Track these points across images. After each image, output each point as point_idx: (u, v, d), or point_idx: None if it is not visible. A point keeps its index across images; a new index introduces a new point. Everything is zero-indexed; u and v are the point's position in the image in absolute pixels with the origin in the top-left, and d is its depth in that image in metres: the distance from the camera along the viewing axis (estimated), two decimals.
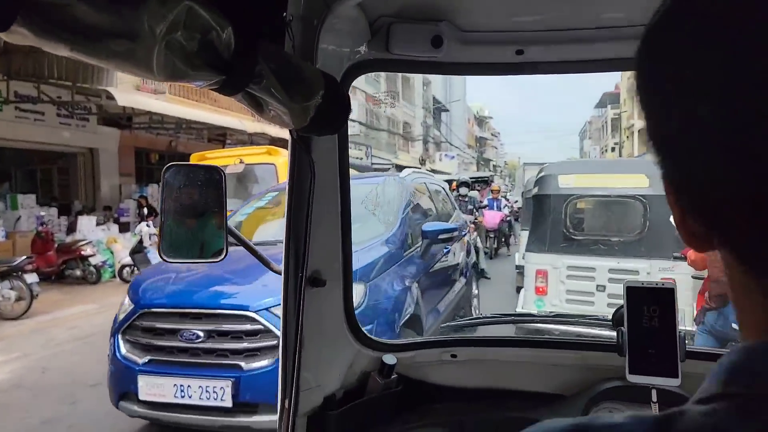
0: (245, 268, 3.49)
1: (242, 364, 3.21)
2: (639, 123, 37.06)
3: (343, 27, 1.00)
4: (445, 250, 4.81)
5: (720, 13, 0.29)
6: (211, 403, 3.18)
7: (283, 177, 5.31)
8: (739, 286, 0.33)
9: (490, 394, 1.26)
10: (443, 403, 1.27)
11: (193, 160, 7.30)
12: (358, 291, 3.26)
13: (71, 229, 10.81)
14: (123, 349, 3.47)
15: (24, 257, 7.68)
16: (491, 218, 11.71)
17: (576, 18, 1.07)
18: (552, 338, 1.86)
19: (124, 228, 11.61)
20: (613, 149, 43.95)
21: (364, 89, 25.04)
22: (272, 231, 4.23)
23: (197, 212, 1.14)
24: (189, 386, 3.22)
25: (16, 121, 10.38)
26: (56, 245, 9.64)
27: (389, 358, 1.18)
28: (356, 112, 21.61)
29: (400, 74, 29.37)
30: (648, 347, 1.03)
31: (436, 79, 40.91)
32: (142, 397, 3.34)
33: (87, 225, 10.43)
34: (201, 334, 3.27)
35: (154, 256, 8.35)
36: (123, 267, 9.64)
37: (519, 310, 5.16)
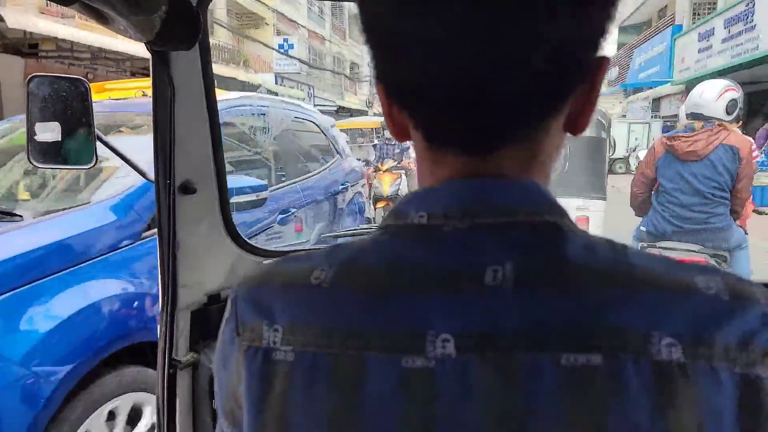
0: None
1: None
2: None
3: None
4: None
5: None
6: None
7: None
8: (421, 157, 0.47)
9: None
10: None
11: (94, 90, 6.84)
12: None
13: None
14: None
15: None
16: None
17: None
18: None
19: None
20: None
21: (306, 25, 24.31)
22: None
23: (64, 122, 1.19)
24: None
25: None
26: None
27: None
28: (298, 48, 21.12)
29: (347, 10, 28.67)
30: None
31: None
32: None
33: None
34: None
35: None
36: None
37: None
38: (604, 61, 0.43)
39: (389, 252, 0.44)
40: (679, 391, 0.37)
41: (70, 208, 2.18)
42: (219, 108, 1.21)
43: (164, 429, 1.18)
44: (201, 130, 1.19)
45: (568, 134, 0.45)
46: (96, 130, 1.21)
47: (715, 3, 16.17)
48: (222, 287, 1.26)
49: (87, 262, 1.92)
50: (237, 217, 1.42)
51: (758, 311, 0.40)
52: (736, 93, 3.06)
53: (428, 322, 0.40)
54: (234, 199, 2.58)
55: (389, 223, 0.46)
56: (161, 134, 1.11)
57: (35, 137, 1.18)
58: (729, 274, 0.42)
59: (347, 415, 0.40)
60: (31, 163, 1.19)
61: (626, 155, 18.07)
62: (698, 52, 15.44)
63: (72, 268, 1.86)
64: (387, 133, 7.24)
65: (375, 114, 17.38)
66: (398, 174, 8.68)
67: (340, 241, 0.52)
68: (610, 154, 5.51)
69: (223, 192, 1.26)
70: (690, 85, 17.56)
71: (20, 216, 2.12)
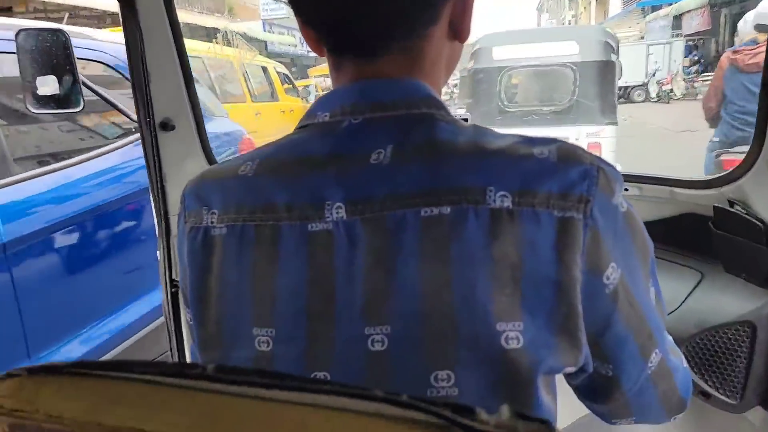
0: None
1: None
2: None
3: None
4: None
5: None
6: None
7: None
8: (329, 64, 0.59)
9: None
10: None
11: None
12: None
13: None
14: None
15: None
16: None
17: None
18: None
19: None
20: (570, 23, 43.50)
21: None
22: None
23: (51, 71, 1.35)
24: None
25: None
26: None
27: None
28: None
29: None
30: None
31: None
32: None
33: None
34: None
35: None
36: None
37: None
38: None
39: (300, 145, 0.56)
40: (506, 228, 0.47)
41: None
42: None
43: (174, 342, 1.36)
44: (173, 71, 1.30)
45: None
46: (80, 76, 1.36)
47: None
48: None
49: None
50: None
51: (581, 168, 0.49)
52: None
53: (326, 195, 0.52)
54: None
55: (302, 123, 0.58)
56: (137, 77, 1.25)
57: (35, 91, 1.33)
58: (566, 144, 0.51)
59: (268, 269, 0.52)
60: (28, 110, 1.34)
61: (645, 81, 17.27)
62: None
63: None
64: None
65: None
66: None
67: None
68: (618, 78, 5.40)
69: (201, 129, 1.39)
70: None
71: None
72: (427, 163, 0.50)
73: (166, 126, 1.31)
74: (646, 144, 8.70)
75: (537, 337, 0.48)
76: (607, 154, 5.10)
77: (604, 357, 0.53)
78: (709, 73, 14.80)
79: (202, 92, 4.83)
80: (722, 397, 1.11)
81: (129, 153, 2.35)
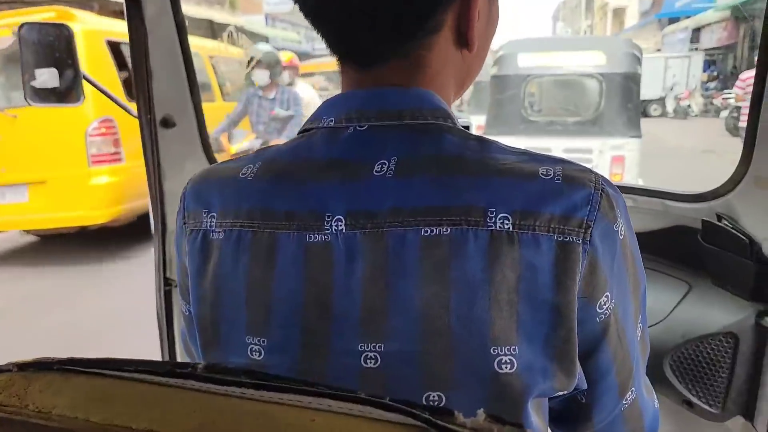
0: None
1: None
2: (614, 1, 36.59)
3: None
4: None
5: None
6: None
7: (90, 49, 4.74)
8: (339, 69, 0.59)
9: None
10: None
11: None
12: None
13: None
14: None
15: None
16: None
17: None
18: None
19: None
20: (585, 32, 43.68)
21: None
22: None
23: (53, 64, 1.35)
24: None
25: None
26: None
27: None
28: None
29: None
30: None
31: None
32: None
33: None
34: None
35: None
36: None
37: None
38: None
39: (302, 150, 0.56)
40: (505, 251, 0.48)
41: None
42: None
43: (165, 341, 1.36)
44: (176, 68, 1.32)
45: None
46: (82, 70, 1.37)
47: None
48: None
49: None
50: None
51: (584, 192, 0.49)
52: None
53: (327, 206, 0.51)
54: None
55: (307, 127, 0.58)
56: (138, 73, 1.25)
57: (33, 83, 1.35)
58: (572, 165, 0.51)
59: (264, 278, 0.52)
60: (27, 102, 1.37)
61: (662, 95, 17.25)
62: None
63: None
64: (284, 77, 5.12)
65: None
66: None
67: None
68: None
69: (202, 128, 1.40)
70: (737, 11, 16.70)
71: None
72: (431, 180, 0.50)
73: (167, 123, 1.32)
74: (669, 164, 8.52)
75: (532, 362, 0.49)
76: (631, 168, 5.17)
77: (583, 384, 0.54)
78: (729, 90, 14.89)
79: None
80: (704, 406, 1.16)
81: None
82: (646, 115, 16.76)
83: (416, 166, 0.51)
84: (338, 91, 0.59)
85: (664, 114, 16.86)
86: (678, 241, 1.23)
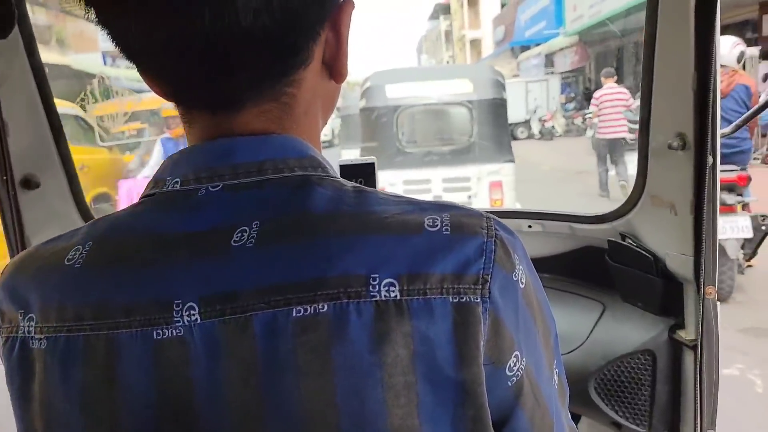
0: None
1: None
2: (471, 33, 39.47)
3: None
4: None
5: None
6: None
7: None
8: (180, 119, 0.51)
9: None
10: None
11: None
12: None
13: None
14: None
15: None
16: None
17: None
18: None
19: None
20: (448, 62, 46.50)
21: None
22: None
23: None
24: None
25: None
26: None
27: None
28: None
29: None
30: None
31: None
32: None
33: None
34: None
35: None
36: None
37: None
38: (347, 5, 0.49)
39: (143, 223, 0.47)
40: (394, 325, 0.42)
41: None
42: None
43: None
44: (37, 121, 1.19)
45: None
46: None
47: None
48: None
49: None
50: None
51: (476, 242, 0.45)
52: (743, 46, 4.48)
53: (175, 292, 0.44)
54: None
55: (147, 192, 0.50)
56: None
57: None
58: (462, 210, 0.47)
59: (104, 395, 0.44)
60: None
61: (527, 118, 18.39)
62: None
63: None
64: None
65: None
66: None
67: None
68: None
69: (75, 185, 1.27)
70: (585, 35, 18.67)
71: None
72: (301, 246, 0.44)
73: (29, 183, 1.18)
74: (547, 189, 8.88)
75: None
76: (508, 193, 5.40)
77: None
78: (586, 110, 16.30)
79: None
80: (632, 426, 1.18)
81: None
82: (514, 138, 17.84)
83: (283, 230, 0.45)
84: None
85: (530, 136, 18.05)
86: (588, 262, 1.27)
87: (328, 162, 0.51)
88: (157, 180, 0.50)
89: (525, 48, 25.35)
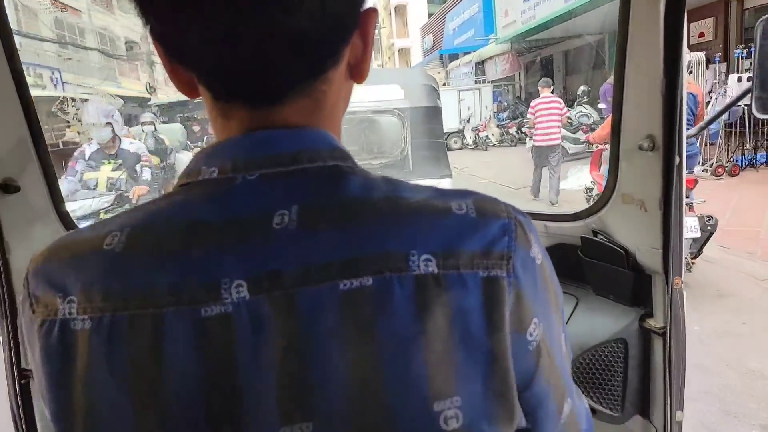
0: None
1: None
2: (399, 42, 39.60)
3: None
4: None
5: None
6: None
7: None
8: (212, 113, 0.53)
9: None
10: None
11: None
12: None
13: None
14: None
15: None
16: None
17: None
18: None
19: None
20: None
21: None
22: None
23: None
24: None
25: None
26: None
27: None
28: (36, 23, 18.01)
29: None
30: None
31: None
32: None
33: None
34: None
35: None
36: None
37: None
38: (372, 12, 0.53)
39: (182, 211, 0.49)
40: (434, 297, 0.47)
41: None
42: None
43: None
44: (16, 123, 1.22)
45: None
46: None
47: None
48: None
49: None
50: None
51: (500, 223, 0.51)
52: (688, 55, 4.47)
53: (222, 272, 0.46)
54: None
55: (183, 182, 0.51)
56: None
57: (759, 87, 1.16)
58: (481, 196, 0.52)
59: (152, 373, 0.45)
60: (753, 114, 1.20)
61: (460, 128, 17.98)
62: (524, 1, 15.66)
63: None
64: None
65: (155, 105, 14.98)
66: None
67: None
68: None
69: (54, 188, 1.30)
70: (517, 41, 18.67)
71: None
72: (341, 227, 0.47)
73: (8, 188, 1.20)
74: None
75: (475, 410, 0.47)
76: None
77: (522, 422, 0.53)
78: (524, 119, 16.16)
79: None
80: (606, 411, 1.28)
81: None
82: (448, 148, 17.44)
83: (322, 214, 0.48)
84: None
85: (464, 146, 17.68)
86: (561, 258, 1.28)
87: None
88: (190, 171, 0.51)
89: (454, 57, 25.35)
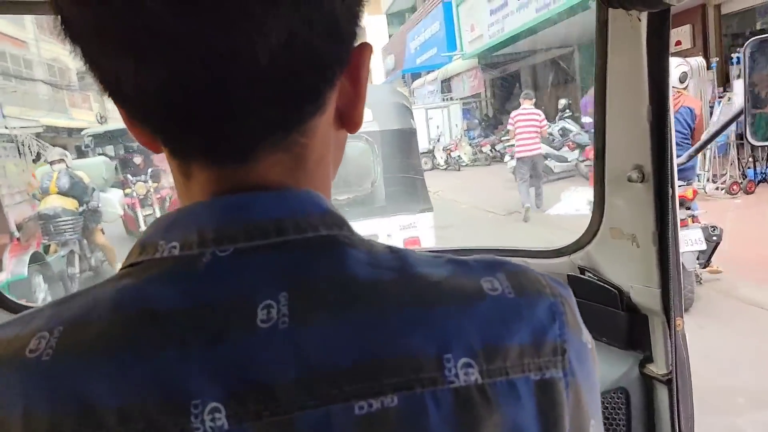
0: None
1: None
2: None
3: None
4: None
5: None
6: None
7: None
8: (174, 172, 0.44)
9: None
10: None
11: None
12: None
13: None
14: None
15: None
16: None
17: None
18: None
19: None
20: None
21: None
22: None
23: None
24: None
25: None
26: None
27: None
28: None
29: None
30: None
31: None
32: None
33: None
34: None
35: None
36: None
37: None
38: (364, 49, 0.44)
39: (134, 299, 0.39)
40: (481, 416, 0.38)
41: None
42: None
43: None
44: None
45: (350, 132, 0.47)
46: None
47: None
48: None
49: None
50: None
51: (545, 305, 0.42)
52: (686, 66, 4.64)
53: (190, 389, 0.36)
54: None
55: (133, 261, 0.42)
56: None
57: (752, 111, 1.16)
58: (512, 268, 0.44)
59: None
60: (747, 140, 1.22)
61: (430, 148, 17.46)
62: (491, 14, 15.14)
63: None
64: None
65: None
66: None
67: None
68: None
69: None
70: (485, 56, 18.29)
71: None
72: (346, 321, 0.37)
73: None
74: (478, 237, 7.97)
75: None
76: (426, 244, 4.46)
77: None
78: (496, 137, 15.65)
79: None
80: None
81: None
82: None
83: (320, 303, 0.38)
84: None
85: (435, 167, 17.06)
86: None
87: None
88: (145, 245, 0.41)
89: (417, 76, 25.11)
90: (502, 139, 13.76)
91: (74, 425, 0.35)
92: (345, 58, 0.42)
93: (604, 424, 1.17)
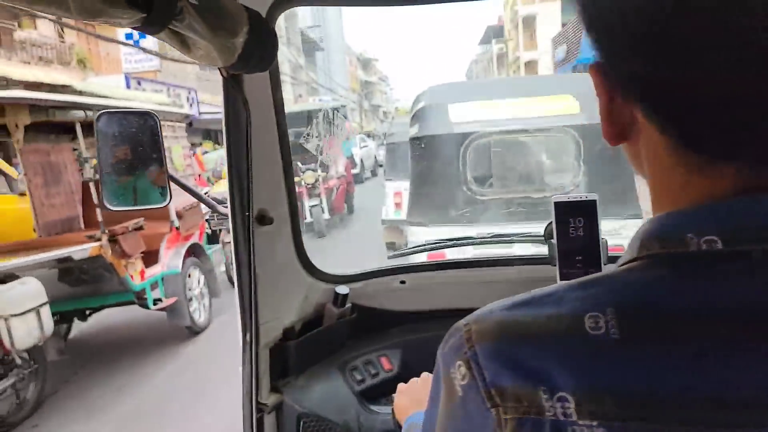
0: None
1: None
2: (526, 55, 38.15)
3: None
4: None
5: None
6: None
7: None
8: (662, 164, 0.44)
9: (438, 315, 1.57)
10: (395, 326, 1.59)
11: None
12: None
13: None
14: None
15: None
16: None
17: None
18: (491, 257, 1.91)
19: None
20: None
21: None
22: None
23: (136, 159, 1.27)
24: None
25: None
26: None
27: (342, 289, 1.49)
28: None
29: None
30: (575, 255, 1.30)
31: (305, 13, 38.43)
32: None
33: None
34: None
35: None
36: None
37: None
38: None
39: (684, 291, 0.41)
40: None
41: None
42: None
43: None
44: (273, 155, 1.29)
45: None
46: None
47: None
48: (297, 320, 1.43)
49: None
50: None
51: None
52: None
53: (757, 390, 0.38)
54: None
55: (654, 251, 0.43)
56: (236, 162, 1.19)
57: (108, 178, 1.25)
58: None
59: None
60: (105, 207, 1.28)
61: None
62: None
63: None
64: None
65: None
66: None
67: (591, 277, 0.45)
68: None
69: (295, 218, 1.40)
70: None
71: None
72: None
73: (263, 219, 1.26)
74: None
75: None
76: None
77: None
78: None
79: None
80: None
81: None
82: None
83: None
84: None
85: None
86: None
87: None
88: (665, 236, 0.43)
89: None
90: None
91: (669, 405, 0.38)
92: None
93: None
